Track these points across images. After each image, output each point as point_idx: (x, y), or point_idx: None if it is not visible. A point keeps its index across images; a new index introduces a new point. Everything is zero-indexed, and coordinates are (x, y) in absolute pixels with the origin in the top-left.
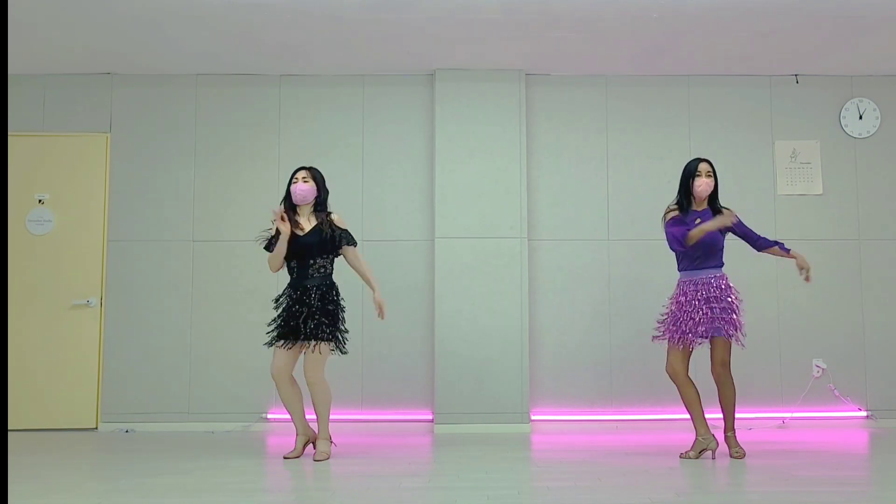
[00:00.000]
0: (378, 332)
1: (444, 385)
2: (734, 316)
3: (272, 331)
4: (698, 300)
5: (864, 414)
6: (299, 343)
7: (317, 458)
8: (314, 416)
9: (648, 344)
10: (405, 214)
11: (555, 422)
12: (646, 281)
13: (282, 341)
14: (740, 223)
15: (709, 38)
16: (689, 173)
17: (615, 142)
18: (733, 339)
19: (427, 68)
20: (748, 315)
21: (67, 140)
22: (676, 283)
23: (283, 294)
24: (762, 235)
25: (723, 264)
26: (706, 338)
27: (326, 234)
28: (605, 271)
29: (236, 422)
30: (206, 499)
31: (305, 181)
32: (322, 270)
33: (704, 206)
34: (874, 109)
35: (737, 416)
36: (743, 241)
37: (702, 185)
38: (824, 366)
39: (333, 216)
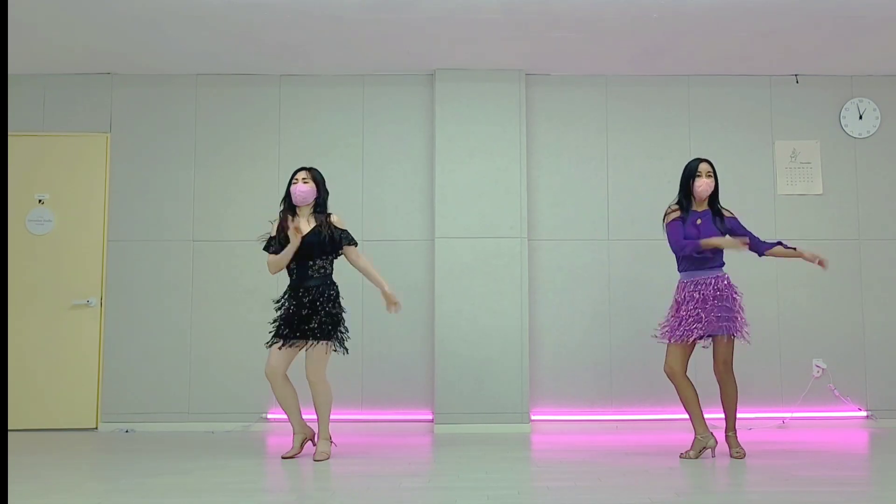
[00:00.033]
0: (378, 332)
1: (444, 385)
2: (737, 314)
3: (272, 331)
4: (700, 300)
5: (864, 414)
6: (298, 343)
7: (317, 458)
8: (314, 416)
9: (648, 344)
10: (405, 214)
11: (555, 422)
12: (646, 281)
13: (280, 341)
14: (749, 238)
15: (709, 38)
16: (690, 173)
17: (615, 142)
18: (739, 335)
19: (427, 68)
20: (748, 315)
21: (67, 140)
22: (677, 283)
23: (284, 295)
24: (762, 240)
25: (723, 264)
26: (709, 336)
27: (326, 235)
28: (605, 271)
29: (236, 422)
30: (206, 499)
31: (305, 182)
32: (322, 271)
33: (705, 206)
34: (874, 109)
35: (737, 416)
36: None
37: (702, 186)
38: (824, 366)
39: (333, 217)
